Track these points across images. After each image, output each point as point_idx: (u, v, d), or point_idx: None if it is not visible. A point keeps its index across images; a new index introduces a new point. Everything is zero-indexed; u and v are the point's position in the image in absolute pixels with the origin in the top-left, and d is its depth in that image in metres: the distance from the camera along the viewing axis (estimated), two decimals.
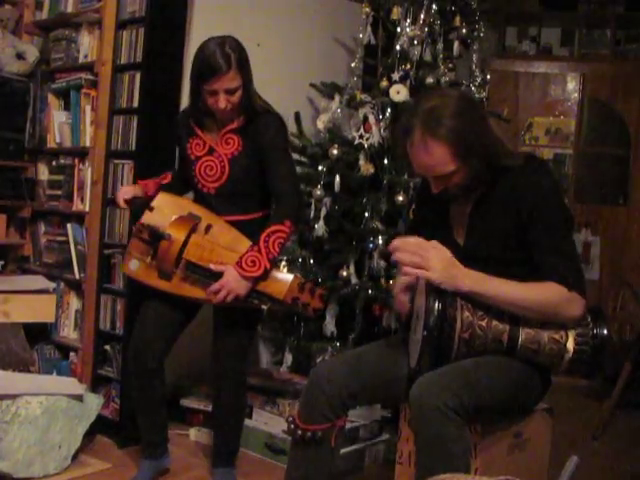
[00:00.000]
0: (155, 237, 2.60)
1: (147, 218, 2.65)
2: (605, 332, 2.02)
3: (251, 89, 2.64)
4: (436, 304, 1.94)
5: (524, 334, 2.00)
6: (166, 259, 2.59)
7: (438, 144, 1.96)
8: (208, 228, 2.64)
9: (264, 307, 2.60)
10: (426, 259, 1.96)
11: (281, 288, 2.59)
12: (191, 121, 2.74)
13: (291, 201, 2.64)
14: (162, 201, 2.70)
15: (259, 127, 2.66)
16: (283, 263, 2.72)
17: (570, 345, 2.01)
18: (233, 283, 2.53)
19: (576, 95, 5.68)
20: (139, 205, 2.74)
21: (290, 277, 2.61)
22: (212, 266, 2.57)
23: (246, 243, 2.60)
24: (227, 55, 2.51)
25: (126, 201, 2.75)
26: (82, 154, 3.38)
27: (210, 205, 2.71)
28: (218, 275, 2.55)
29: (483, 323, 1.99)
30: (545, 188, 2.00)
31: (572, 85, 5.70)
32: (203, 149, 2.72)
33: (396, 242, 2.04)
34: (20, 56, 3.49)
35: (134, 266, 2.68)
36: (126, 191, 2.78)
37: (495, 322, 2.00)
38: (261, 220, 2.69)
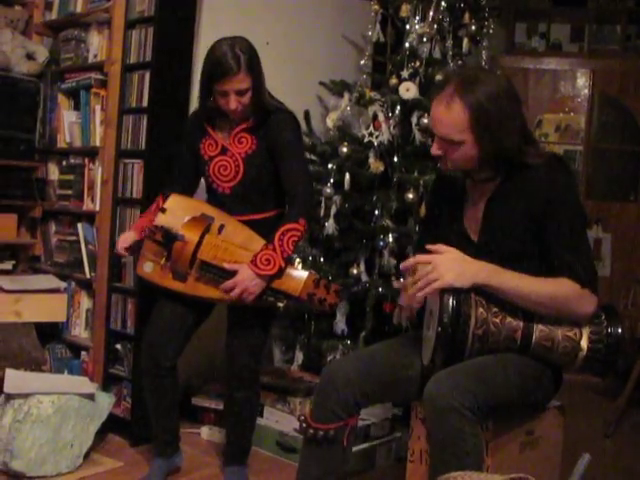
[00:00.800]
0: (169, 238, 2.60)
1: (160, 220, 2.65)
2: (619, 331, 2.02)
3: (262, 89, 2.64)
4: (450, 301, 1.93)
5: (538, 331, 2.00)
6: (180, 260, 2.59)
7: (461, 106, 1.95)
8: (221, 228, 2.65)
9: (280, 305, 2.60)
10: (434, 268, 1.96)
11: (297, 285, 2.59)
12: (203, 121, 2.75)
13: (305, 200, 2.64)
14: (174, 203, 2.71)
15: (272, 125, 2.66)
16: (298, 260, 2.72)
17: (584, 343, 2.00)
18: (247, 281, 2.53)
19: (586, 91, 5.65)
20: (139, 249, 2.75)
21: (305, 274, 2.61)
22: (226, 265, 2.57)
23: (260, 242, 2.60)
24: (237, 56, 2.52)
25: (126, 249, 2.76)
26: (92, 154, 3.39)
27: (224, 205, 2.72)
28: (232, 274, 2.55)
29: (497, 320, 1.98)
30: (561, 185, 1.99)
31: (582, 81, 5.67)
32: (216, 149, 2.72)
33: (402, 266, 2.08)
34: (30, 56, 3.50)
35: (148, 268, 2.69)
36: (124, 239, 2.78)
37: (509, 319, 1.99)
38: (275, 219, 2.70)
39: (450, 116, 1.97)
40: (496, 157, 2.01)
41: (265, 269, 2.53)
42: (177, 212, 2.67)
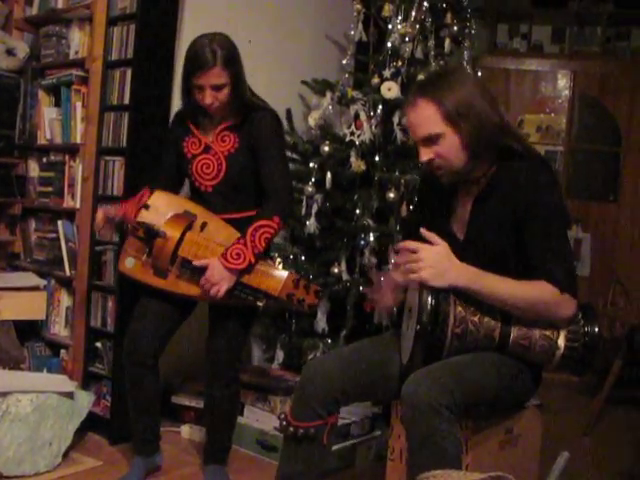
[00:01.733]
0: (151, 235, 2.60)
1: (143, 216, 2.65)
2: (596, 330, 2.03)
3: (241, 87, 2.64)
4: (429, 299, 1.94)
5: (516, 330, 2.01)
6: (161, 256, 2.59)
7: (426, 102, 1.99)
8: (204, 226, 2.65)
9: (260, 304, 2.59)
10: (417, 259, 1.96)
11: (276, 284, 2.59)
12: (187, 120, 2.75)
13: (282, 198, 2.64)
14: (158, 199, 2.71)
15: (254, 124, 2.67)
16: (279, 260, 2.72)
17: (561, 342, 2.02)
18: (217, 275, 2.53)
19: (567, 92, 5.69)
20: (116, 226, 2.78)
21: (285, 273, 2.62)
22: (195, 262, 2.57)
23: None
24: (214, 51, 2.52)
25: (106, 219, 2.75)
26: (73, 151, 3.37)
27: (207, 203, 2.72)
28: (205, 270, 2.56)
29: (475, 319, 1.99)
30: (542, 187, 2.00)
31: (563, 82, 5.71)
32: (199, 147, 2.73)
33: (397, 246, 2.08)
34: (10, 52, 3.48)
35: (130, 264, 2.69)
36: (105, 210, 2.78)
37: (487, 318, 2.01)
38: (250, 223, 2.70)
39: (420, 115, 2.01)
40: (480, 140, 2.00)
41: (234, 263, 2.53)
42: (160, 209, 2.67)
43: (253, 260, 2.55)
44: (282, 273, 2.62)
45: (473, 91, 2.01)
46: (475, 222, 2.11)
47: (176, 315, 2.77)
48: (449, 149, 2.02)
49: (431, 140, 2.02)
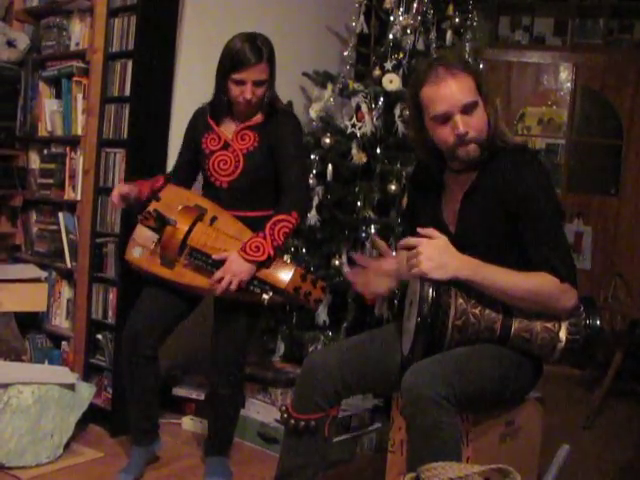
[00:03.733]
0: (161, 222, 2.62)
1: (154, 206, 2.68)
2: (597, 323, 2.03)
3: (274, 86, 2.72)
4: (430, 291, 1.94)
5: (517, 323, 2.01)
6: (170, 245, 2.61)
7: (464, 73, 2.03)
8: (214, 219, 2.68)
9: (265, 297, 2.57)
10: (418, 254, 1.96)
11: (284, 277, 2.59)
12: (208, 116, 2.79)
13: (299, 194, 2.69)
14: (169, 192, 2.75)
15: (277, 125, 2.72)
16: (287, 255, 2.72)
17: (562, 334, 2.01)
18: (235, 267, 2.53)
19: (569, 85, 5.69)
20: (132, 204, 2.76)
21: (293, 267, 2.62)
22: (215, 255, 2.58)
23: (250, 235, 2.61)
24: (259, 48, 2.62)
25: (121, 196, 2.73)
26: (74, 143, 3.36)
27: (220, 199, 2.75)
28: (220, 263, 2.56)
29: (476, 311, 1.99)
30: (535, 180, 2.00)
31: (565, 75, 5.70)
32: (218, 144, 2.76)
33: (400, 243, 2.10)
34: (11, 44, 3.47)
35: (137, 253, 2.71)
36: (122, 187, 2.77)
37: (488, 310, 2.00)
38: (267, 219, 2.70)
39: (461, 82, 2.02)
40: (492, 121, 2.05)
41: (254, 255, 2.54)
42: (171, 202, 2.70)
43: (272, 253, 2.56)
44: (290, 266, 2.63)
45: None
46: (465, 217, 2.12)
47: (179, 309, 2.77)
48: (480, 120, 2.04)
49: (470, 108, 2.02)
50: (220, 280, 2.54)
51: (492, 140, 2.05)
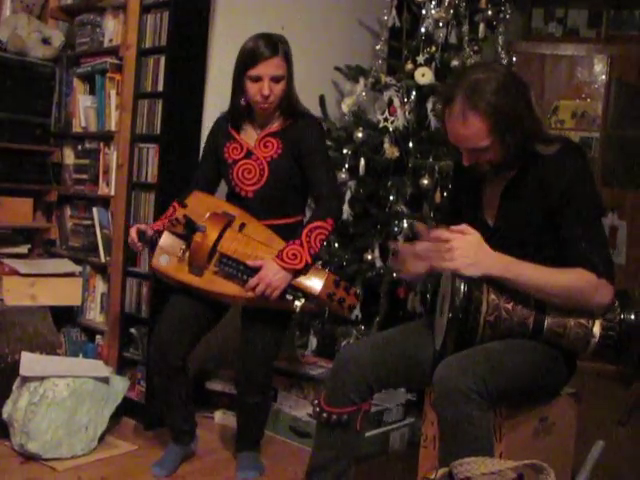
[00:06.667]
0: (190, 229, 2.58)
1: (182, 212, 2.64)
2: (632, 317, 2.00)
3: (292, 86, 2.68)
4: (462, 286, 1.93)
5: (550, 318, 1.99)
6: (199, 252, 2.56)
7: (476, 117, 1.94)
8: (242, 226, 2.64)
9: (298, 304, 2.53)
10: (450, 249, 1.95)
11: (316, 284, 2.56)
12: (229, 125, 2.76)
13: (333, 201, 2.66)
14: (196, 199, 2.71)
15: (299, 130, 2.69)
16: (319, 261, 2.69)
17: (596, 330, 1.99)
18: (271, 275, 2.50)
19: (603, 77, 5.60)
20: (149, 240, 2.70)
21: (325, 273, 2.60)
22: (249, 262, 2.55)
23: (281, 243, 2.59)
24: (274, 43, 2.59)
25: (139, 230, 2.67)
26: (107, 138, 3.40)
27: (246, 209, 2.71)
28: (253, 270, 2.53)
29: (509, 306, 1.98)
30: (576, 173, 1.98)
31: (599, 67, 5.62)
32: (240, 152, 2.73)
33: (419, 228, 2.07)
34: (46, 41, 3.51)
35: (165, 260, 2.64)
36: (137, 228, 2.69)
37: (521, 305, 1.99)
38: (295, 226, 2.70)
39: (470, 130, 1.96)
40: (520, 146, 2.00)
41: (291, 263, 2.51)
42: (198, 209, 2.66)
43: (310, 260, 2.54)
44: (322, 273, 2.60)
45: (516, 95, 1.97)
46: (505, 208, 2.10)
47: (207, 318, 2.73)
48: (493, 156, 2.01)
49: (478, 151, 2.01)
50: (255, 287, 2.52)
51: (526, 152, 2.03)
